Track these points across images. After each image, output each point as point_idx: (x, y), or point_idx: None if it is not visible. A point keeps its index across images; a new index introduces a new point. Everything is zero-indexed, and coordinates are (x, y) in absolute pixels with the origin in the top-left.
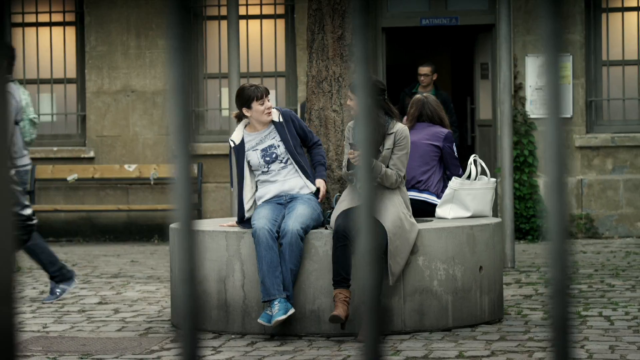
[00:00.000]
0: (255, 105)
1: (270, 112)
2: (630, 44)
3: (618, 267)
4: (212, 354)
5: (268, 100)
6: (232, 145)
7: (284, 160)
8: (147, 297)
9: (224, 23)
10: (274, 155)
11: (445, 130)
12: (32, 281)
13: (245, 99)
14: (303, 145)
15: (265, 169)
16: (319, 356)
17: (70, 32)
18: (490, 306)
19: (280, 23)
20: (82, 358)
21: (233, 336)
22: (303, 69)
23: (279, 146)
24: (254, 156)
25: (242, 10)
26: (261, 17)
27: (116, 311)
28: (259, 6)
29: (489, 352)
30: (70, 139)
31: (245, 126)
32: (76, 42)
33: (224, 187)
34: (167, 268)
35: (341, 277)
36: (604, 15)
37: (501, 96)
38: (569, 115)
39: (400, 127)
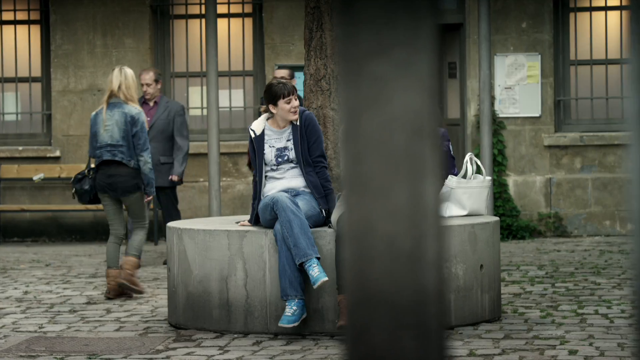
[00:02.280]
0: (281, 103)
1: (296, 111)
2: (598, 43)
3: (598, 266)
4: (220, 354)
5: (295, 99)
6: (253, 135)
7: (294, 162)
8: (135, 296)
9: (191, 22)
10: (286, 158)
11: (441, 129)
12: (11, 281)
13: (272, 96)
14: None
15: (275, 167)
16: (329, 355)
17: (35, 30)
18: (491, 304)
19: (248, 22)
20: (90, 358)
21: (236, 335)
22: (271, 67)
23: (292, 149)
24: (268, 151)
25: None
26: (229, 15)
27: (108, 311)
28: (226, 5)
29: (500, 350)
30: (35, 138)
31: (268, 119)
32: (41, 40)
33: (192, 187)
34: (144, 268)
35: None
36: (572, 15)
37: (481, 95)
38: (537, 115)
39: None
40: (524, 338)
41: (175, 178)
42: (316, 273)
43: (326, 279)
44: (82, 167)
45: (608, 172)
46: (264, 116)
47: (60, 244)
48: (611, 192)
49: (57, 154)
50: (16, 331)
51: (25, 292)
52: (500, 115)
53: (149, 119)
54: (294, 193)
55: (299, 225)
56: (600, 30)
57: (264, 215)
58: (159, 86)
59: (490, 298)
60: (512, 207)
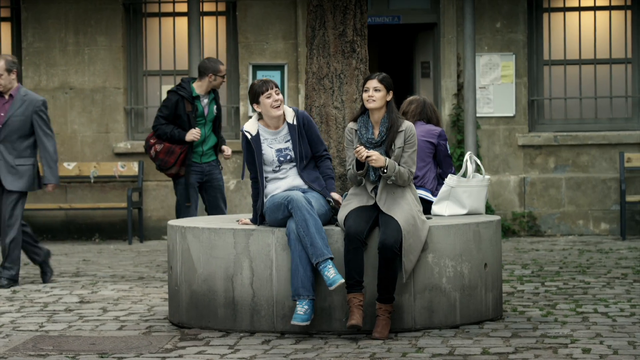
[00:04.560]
0: (262, 99)
1: (278, 106)
2: (571, 43)
3: (581, 265)
4: (231, 352)
5: (276, 94)
6: (249, 136)
7: (295, 162)
8: (126, 295)
9: (164, 20)
10: (288, 157)
11: (438, 129)
12: None
13: (253, 95)
14: (311, 152)
15: (277, 168)
16: (343, 354)
17: (6, 28)
18: (494, 303)
19: (222, 20)
20: (102, 357)
21: (242, 334)
22: (245, 66)
23: (292, 149)
24: (268, 152)
25: (183, 7)
26: (202, 14)
27: (104, 310)
28: (200, 3)
29: (513, 349)
30: None
31: (260, 119)
32: (12, 38)
33: (165, 186)
34: (125, 267)
35: (355, 280)
36: (545, 15)
37: (465, 94)
38: (511, 114)
39: (408, 125)
40: (533, 336)
41: (51, 188)
42: (332, 275)
43: (343, 281)
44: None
45: (581, 172)
46: (255, 117)
47: None
48: (584, 191)
49: None
50: (17, 330)
51: (14, 291)
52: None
53: (2, 114)
54: (301, 191)
55: (314, 224)
56: (573, 31)
57: (274, 215)
58: (13, 76)
59: (494, 297)
60: (486, 207)
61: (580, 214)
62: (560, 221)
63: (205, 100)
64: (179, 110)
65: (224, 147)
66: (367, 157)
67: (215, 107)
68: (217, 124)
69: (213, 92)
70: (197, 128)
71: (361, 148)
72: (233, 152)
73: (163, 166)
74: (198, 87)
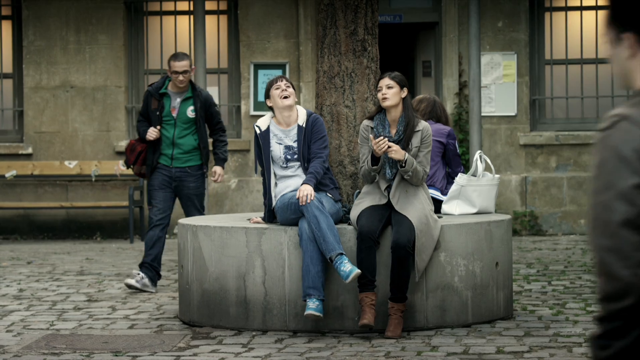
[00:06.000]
0: (272, 91)
1: (287, 96)
2: (573, 43)
3: (586, 264)
4: (245, 351)
5: (286, 86)
6: (258, 131)
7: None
8: (133, 294)
9: (165, 18)
10: (295, 156)
11: (448, 128)
12: (0, 279)
13: (266, 90)
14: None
15: (284, 165)
16: (358, 352)
17: (7, 26)
18: (505, 302)
19: (223, 19)
20: (116, 355)
21: (254, 333)
22: (247, 65)
23: (297, 150)
24: (277, 148)
25: (184, 6)
26: (204, 12)
27: (113, 308)
28: (203, 2)
29: (527, 348)
30: (7, 135)
31: (273, 117)
32: (13, 36)
33: None
34: (128, 265)
35: (367, 279)
36: (547, 15)
37: (470, 93)
38: (513, 114)
39: (425, 125)
40: (545, 335)
41: None
42: (348, 268)
43: (359, 271)
44: (55, 164)
45: (583, 171)
46: (269, 114)
47: (33, 242)
48: (586, 191)
49: (29, 151)
50: (28, 329)
51: (21, 290)
52: None
53: None
54: None
55: (325, 221)
56: (575, 30)
57: (284, 214)
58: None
59: (505, 295)
60: None
61: (581, 213)
62: (561, 220)
63: (177, 99)
64: (148, 107)
65: (215, 167)
66: (388, 147)
67: (190, 108)
68: (199, 127)
69: (194, 92)
70: (156, 127)
71: (382, 138)
72: (233, 151)
73: (126, 163)
74: (171, 84)
